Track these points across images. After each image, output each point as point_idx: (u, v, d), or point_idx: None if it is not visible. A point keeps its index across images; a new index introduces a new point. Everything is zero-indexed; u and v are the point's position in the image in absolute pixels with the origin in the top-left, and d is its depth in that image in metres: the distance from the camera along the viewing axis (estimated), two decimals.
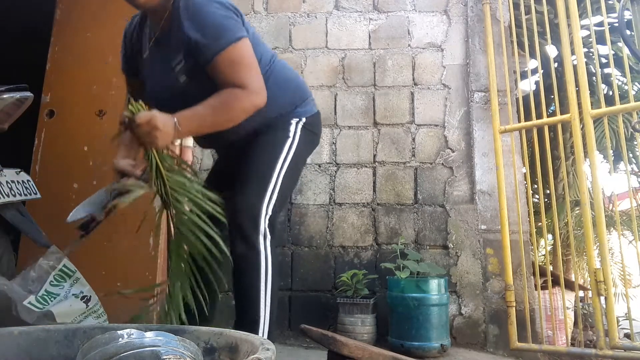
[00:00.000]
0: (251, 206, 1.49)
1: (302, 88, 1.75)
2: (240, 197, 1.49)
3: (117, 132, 1.40)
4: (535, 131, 2.70)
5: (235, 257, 1.48)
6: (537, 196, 5.24)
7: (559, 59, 3.97)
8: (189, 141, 2.93)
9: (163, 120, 1.33)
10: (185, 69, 1.51)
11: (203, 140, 1.78)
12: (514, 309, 2.50)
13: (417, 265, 2.43)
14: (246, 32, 1.48)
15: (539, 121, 2.66)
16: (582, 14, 3.52)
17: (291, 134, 1.62)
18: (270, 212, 1.52)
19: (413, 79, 2.96)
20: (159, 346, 0.82)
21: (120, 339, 0.82)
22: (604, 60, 4.86)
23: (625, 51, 2.63)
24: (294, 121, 1.65)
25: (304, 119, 1.67)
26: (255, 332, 1.41)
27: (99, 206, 1.49)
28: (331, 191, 2.85)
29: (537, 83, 5.11)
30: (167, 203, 1.39)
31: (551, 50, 4.21)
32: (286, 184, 1.59)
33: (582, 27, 3.64)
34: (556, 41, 3.96)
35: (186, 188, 1.40)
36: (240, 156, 1.61)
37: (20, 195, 1.78)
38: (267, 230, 1.50)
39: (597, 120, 2.99)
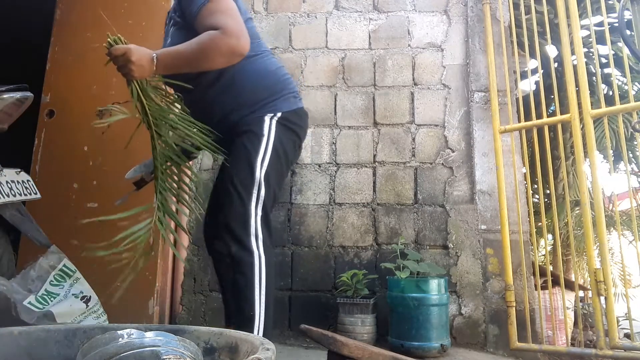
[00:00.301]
0: (240, 214, 1.53)
1: (282, 83, 1.72)
2: (228, 204, 1.54)
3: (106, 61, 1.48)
4: (535, 131, 2.70)
5: (230, 258, 1.51)
6: (537, 196, 5.24)
7: (559, 59, 3.97)
8: None
9: (138, 54, 1.40)
10: (171, 31, 1.65)
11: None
12: (514, 309, 2.50)
13: (417, 265, 2.42)
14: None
15: (539, 121, 2.66)
16: (582, 14, 3.52)
17: (265, 132, 1.62)
18: (260, 213, 1.55)
19: (413, 79, 2.96)
20: (159, 346, 0.82)
21: (120, 339, 0.83)
22: (604, 60, 4.86)
23: (625, 51, 2.63)
24: (267, 117, 1.64)
25: (279, 114, 1.66)
26: (251, 329, 1.44)
27: (150, 169, 1.73)
28: (331, 191, 2.85)
29: (537, 83, 5.12)
30: (150, 129, 1.53)
31: (551, 50, 4.21)
32: (271, 182, 1.60)
33: (582, 27, 3.65)
34: (556, 41, 3.96)
35: (166, 116, 1.54)
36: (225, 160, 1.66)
37: (20, 195, 1.78)
38: (260, 230, 1.52)
39: (597, 120, 2.99)
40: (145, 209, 1.51)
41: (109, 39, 1.43)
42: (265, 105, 1.65)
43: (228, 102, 1.65)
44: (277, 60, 1.78)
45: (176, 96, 1.63)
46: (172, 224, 1.72)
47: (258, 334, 1.44)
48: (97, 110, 1.51)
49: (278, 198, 1.69)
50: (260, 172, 1.57)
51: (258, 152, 1.59)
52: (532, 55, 3.22)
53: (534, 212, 3.85)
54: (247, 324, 1.44)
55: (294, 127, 1.70)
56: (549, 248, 5.74)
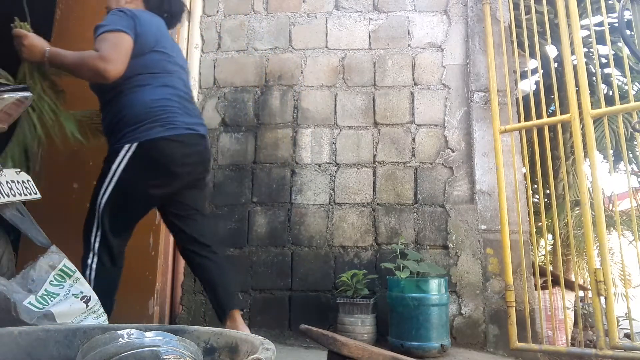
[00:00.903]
0: (84, 233, 1.83)
1: (150, 112, 1.83)
2: None
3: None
4: (535, 131, 2.69)
5: None
6: (537, 196, 5.24)
7: (559, 59, 3.98)
8: None
9: (30, 41, 1.79)
10: None
11: None
12: (514, 309, 2.50)
13: (417, 265, 2.42)
14: (132, 33, 1.82)
15: (539, 121, 2.66)
16: (582, 14, 3.52)
17: (116, 163, 1.80)
18: (99, 239, 1.79)
19: (413, 79, 2.96)
20: (159, 346, 0.82)
21: (120, 339, 0.83)
22: (604, 60, 4.87)
23: (625, 51, 2.63)
24: (125, 147, 1.80)
25: (136, 144, 1.79)
26: None
27: None
28: (331, 191, 2.85)
29: (537, 83, 5.12)
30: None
31: (551, 50, 4.21)
32: (115, 208, 1.81)
33: (582, 27, 3.65)
34: (556, 41, 3.96)
35: (41, 96, 1.92)
36: None
37: (20, 195, 1.78)
38: (100, 251, 1.79)
39: (597, 120, 2.99)
40: None
41: (15, 22, 1.81)
42: (127, 134, 1.81)
43: (108, 126, 1.90)
44: (165, 92, 1.89)
45: (60, 91, 2.00)
46: None
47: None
48: None
49: (129, 224, 1.93)
50: (100, 200, 1.81)
51: (104, 182, 1.81)
52: (532, 55, 3.22)
53: (534, 212, 3.85)
54: None
55: (154, 156, 1.82)
56: (549, 248, 5.74)
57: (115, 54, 1.75)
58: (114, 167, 1.80)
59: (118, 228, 1.85)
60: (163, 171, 1.85)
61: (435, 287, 2.33)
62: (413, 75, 2.96)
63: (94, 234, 1.81)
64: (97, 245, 1.80)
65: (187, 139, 1.90)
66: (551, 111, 4.73)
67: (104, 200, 1.81)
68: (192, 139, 1.92)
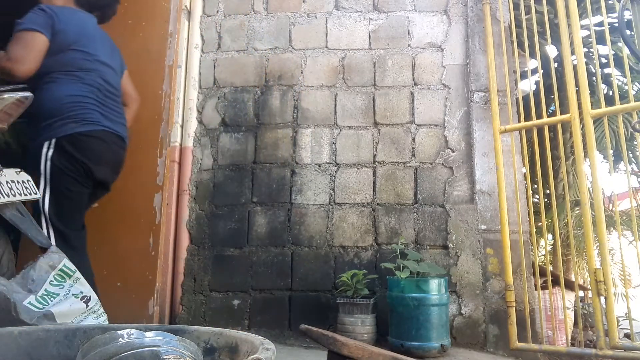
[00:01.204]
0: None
1: (64, 108, 1.86)
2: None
3: None
4: (535, 131, 2.69)
5: None
6: (537, 196, 5.25)
7: (559, 59, 3.98)
8: (189, 142, 2.94)
9: None
10: None
11: None
12: (514, 309, 2.50)
13: (417, 265, 2.42)
14: (47, 32, 1.84)
15: (539, 121, 2.66)
16: (582, 14, 3.52)
17: (43, 163, 1.83)
18: (54, 232, 1.81)
19: (413, 79, 2.96)
20: (159, 346, 0.82)
21: (120, 339, 0.83)
22: (604, 60, 4.87)
23: (625, 51, 2.63)
24: (45, 144, 1.83)
25: (53, 140, 1.83)
26: None
27: None
28: (331, 191, 2.85)
29: (537, 83, 5.13)
30: None
31: (551, 50, 4.21)
32: (59, 206, 1.83)
33: (582, 27, 3.65)
34: (556, 41, 3.97)
35: None
36: None
37: (20, 195, 1.78)
38: (54, 241, 1.76)
39: (597, 120, 2.99)
40: None
41: None
42: (44, 129, 1.84)
43: (28, 121, 1.88)
44: (80, 88, 1.90)
45: None
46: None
47: None
48: None
49: (77, 215, 1.95)
50: (43, 205, 1.82)
51: (39, 187, 1.81)
52: (532, 55, 3.22)
53: (534, 212, 3.85)
54: None
55: (71, 152, 1.85)
56: (549, 248, 5.75)
57: (24, 53, 1.79)
58: (42, 168, 1.83)
59: (70, 223, 1.88)
60: (80, 166, 1.88)
61: (435, 287, 2.33)
62: (413, 75, 2.96)
63: (46, 232, 1.83)
64: (52, 238, 1.82)
65: (101, 136, 1.92)
66: (551, 111, 4.74)
67: (47, 203, 1.83)
68: (107, 137, 1.95)
